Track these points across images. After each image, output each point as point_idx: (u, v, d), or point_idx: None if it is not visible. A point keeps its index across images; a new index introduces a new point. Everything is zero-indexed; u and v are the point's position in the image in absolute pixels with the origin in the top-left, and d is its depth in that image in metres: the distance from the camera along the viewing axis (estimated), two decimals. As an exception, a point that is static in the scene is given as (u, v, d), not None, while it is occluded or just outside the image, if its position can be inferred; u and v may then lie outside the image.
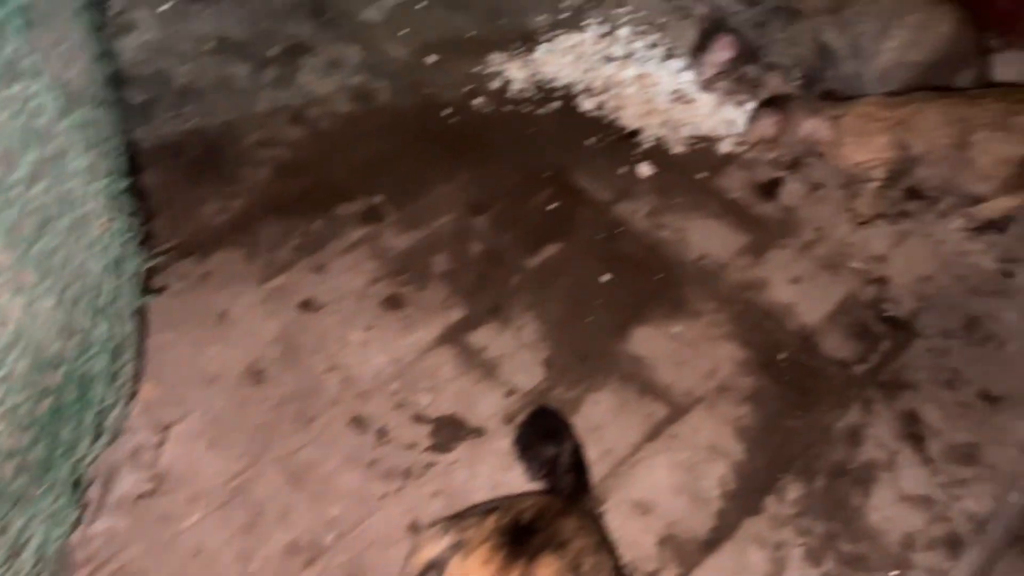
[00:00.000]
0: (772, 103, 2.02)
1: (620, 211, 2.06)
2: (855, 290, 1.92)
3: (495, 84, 2.32)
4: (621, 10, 2.56)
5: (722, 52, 2.19)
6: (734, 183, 2.14)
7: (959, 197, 2.04)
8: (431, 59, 2.38)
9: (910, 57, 2.08)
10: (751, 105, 2.13)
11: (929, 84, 2.11)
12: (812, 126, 1.96)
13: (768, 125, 1.99)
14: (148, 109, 2.14)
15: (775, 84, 2.16)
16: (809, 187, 2.12)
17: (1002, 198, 1.94)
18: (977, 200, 2.00)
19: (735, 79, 2.24)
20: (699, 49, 2.24)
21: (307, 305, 1.83)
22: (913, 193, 2.09)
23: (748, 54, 2.20)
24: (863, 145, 1.93)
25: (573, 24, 2.50)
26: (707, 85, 2.26)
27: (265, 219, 1.97)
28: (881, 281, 1.94)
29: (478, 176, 2.11)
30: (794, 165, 2.16)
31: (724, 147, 2.19)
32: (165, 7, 2.39)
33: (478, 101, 2.28)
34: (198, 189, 2.00)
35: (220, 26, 2.37)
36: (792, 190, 2.12)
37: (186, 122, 2.13)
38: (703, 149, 2.21)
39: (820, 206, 2.09)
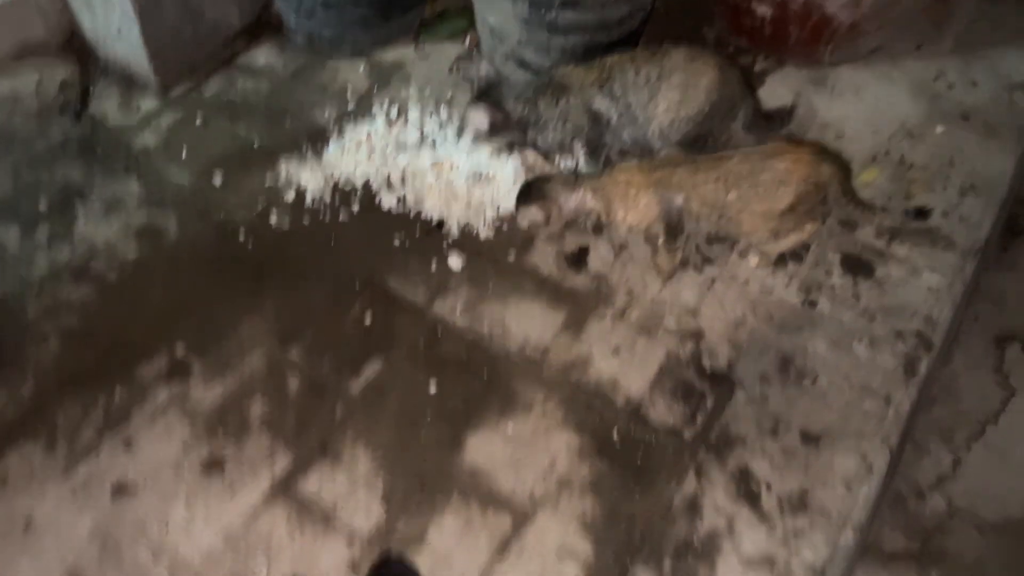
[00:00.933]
0: (529, 188, 2.04)
1: (437, 311, 2.03)
2: (674, 349, 1.96)
3: (289, 195, 2.25)
4: (407, 91, 2.54)
5: (478, 120, 2.18)
6: (544, 258, 2.14)
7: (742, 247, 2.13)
8: (217, 179, 2.28)
9: (683, 113, 2.14)
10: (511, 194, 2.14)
11: (708, 131, 2.19)
12: (576, 201, 2.00)
13: (533, 212, 2.01)
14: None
15: (532, 163, 2.18)
16: (615, 250, 2.15)
17: (783, 240, 2.03)
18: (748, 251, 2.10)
19: (501, 144, 2.26)
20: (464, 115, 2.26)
21: (121, 489, 1.72)
22: (712, 237, 2.15)
23: (505, 124, 2.20)
24: (630, 209, 1.97)
25: (361, 114, 2.46)
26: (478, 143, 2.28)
27: (61, 399, 1.84)
28: (697, 335, 1.99)
29: (285, 301, 2.04)
30: (597, 229, 2.19)
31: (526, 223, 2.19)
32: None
33: (274, 217, 2.20)
34: (-22, 383, 1.85)
35: (-23, 187, 2.20)
36: (599, 256, 2.15)
37: (-47, 309, 1.96)
38: (509, 229, 2.20)
39: (628, 268, 2.12)
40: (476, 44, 2.63)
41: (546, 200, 2.00)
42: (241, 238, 2.16)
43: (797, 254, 2.13)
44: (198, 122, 2.43)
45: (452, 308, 2.04)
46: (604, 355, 1.96)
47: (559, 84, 2.18)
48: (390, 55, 2.65)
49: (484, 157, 2.30)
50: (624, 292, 2.07)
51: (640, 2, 2.31)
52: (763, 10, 2.47)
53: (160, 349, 1.92)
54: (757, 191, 1.93)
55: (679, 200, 1.97)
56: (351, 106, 2.49)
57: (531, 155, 2.10)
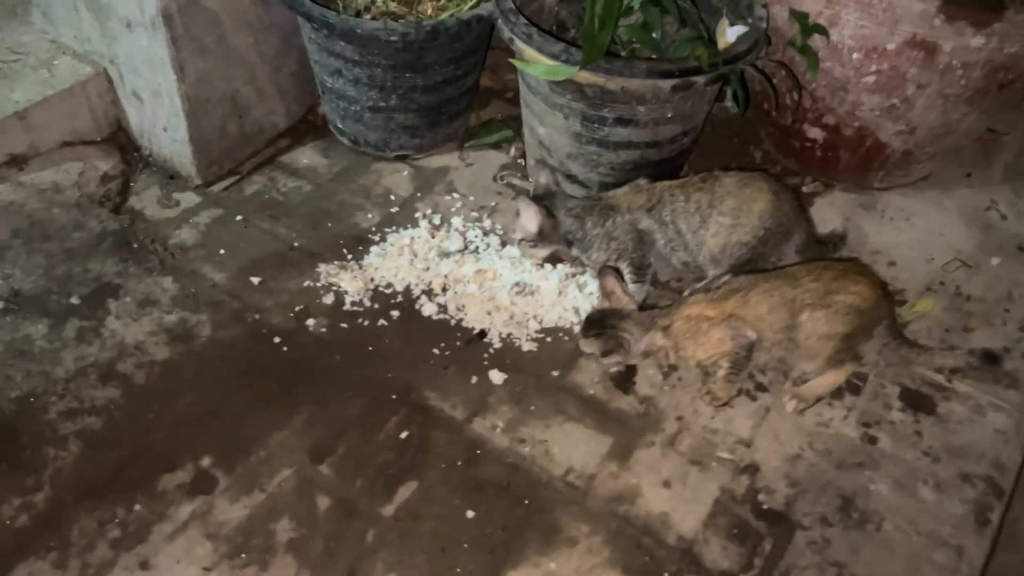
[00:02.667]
0: (602, 317, 1.97)
1: (476, 429, 1.93)
2: (728, 484, 1.85)
3: (328, 299, 2.18)
4: (450, 196, 2.50)
5: (528, 219, 2.14)
6: (589, 377, 2.05)
7: (792, 377, 2.04)
8: (255, 280, 2.22)
9: (735, 239, 2.08)
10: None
11: (762, 256, 2.13)
12: (647, 343, 1.94)
13: (599, 346, 1.96)
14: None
15: (610, 290, 2.10)
16: (663, 372, 2.06)
17: (828, 374, 1.95)
18: (805, 380, 2.01)
19: (544, 251, 2.24)
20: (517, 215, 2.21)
21: (132, 615, 1.59)
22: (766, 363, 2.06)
23: (553, 232, 2.16)
24: (701, 345, 1.90)
25: (404, 220, 2.41)
26: (524, 252, 2.24)
27: (76, 509, 1.73)
28: (752, 469, 1.88)
29: (318, 412, 1.94)
30: (644, 353, 2.10)
31: (572, 339, 2.12)
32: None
33: (311, 322, 2.13)
34: (-9, 487, 1.74)
35: (8, 281, 2.13)
36: (647, 377, 2.06)
37: (-27, 403, 1.87)
38: (552, 343, 2.12)
39: (677, 391, 2.03)
40: (522, 154, 2.61)
41: (614, 335, 1.93)
42: (276, 342, 2.08)
43: (854, 385, 2.04)
44: (237, 220, 2.38)
45: (492, 426, 1.94)
46: (654, 486, 1.84)
47: (607, 205, 2.15)
48: (435, 161, 2.63)
49: (528, 268, 2.25)
50: (674, 418, 1.97)
51: (693, 122, 2.28)
52: (814, 133, 2.44)
53: (185, 460, 1.82)
54: (828, 312, 1.85)
55: (752, 334, 1.89)
56: (394, 210, 2.45)
57: (611, 280, 2.03)
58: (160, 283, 2.19)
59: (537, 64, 2.07)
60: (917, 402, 2.02)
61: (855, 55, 2.19)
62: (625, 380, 2.05)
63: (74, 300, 2.11)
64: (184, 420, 1.90)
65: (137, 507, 1.73)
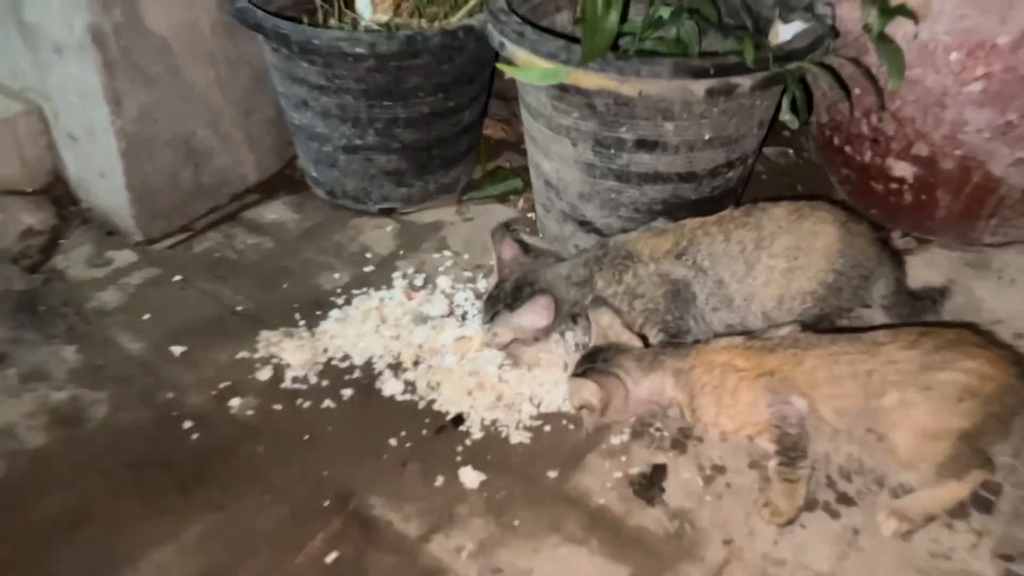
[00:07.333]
0: (593, 359, 1.44)
1: (435, 552, 1.37)
2: (800, 644, 1.23)
3: (263, 374, 1.69)
4: (440, 254, 2.02)
5: (536, 317, 1.60)
6: (600, 480, 1.48)
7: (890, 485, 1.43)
8: (177, 351, 1.75)
9: (795, 288, 1.54)
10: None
11: (836, 311, 1.57)
12: (650, 387, 1.39)
13: (589, 391, 1.40)
14: None
15: (606, 324, 1.55)
16: (704, 475, 1.48)
17: (944, 488, 1.33)
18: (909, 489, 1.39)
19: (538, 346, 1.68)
20: (508, 307, 1.65)
21: None
22: (851, 465, 1.46)
23: (562, 319, 1.63)
24: (725, 408, 1.34)
25: (378, 280, 1.93)
26: (502, 347, 1.67)
27: None
28: (837, 621, 1.26)
29: (220, 523, 1.41)
30: (679, 444, 1.53)
31: (580, 427, 1.56)
32: None
33: (235, 402, 1.63)
34: None
35: None
36: (681, 482, 1.47)
37: None
38: (552, 433, 1.57)
39: (724, 503, 1.44)
40: (532, 206, 2.13)
41: (610, 378, 1.39)
42: (185, 428, 1.58)
43: (983, 499, 1.41)
44: (174, 281, 1.94)
45: (457, 548, 1.37)
46: (687, 645, 1.23)
47: (622, 254, 1.62)
48: (427, 216, 2.17)
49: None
50: (719, 541, 1.37)
51: (740, 150, 1.77)
52: (902, 170, 1.89)
53: (27, 582, 1.30)
54: (929, 397, 1.26)
55: (800, 404, 1.31)
56: (368, 269, 1.97)
57: (606, 315, 1.51)
58: (59, 353, 1.73)
59: (531, 69, 1.61)
60: (1080, 525, 1.38)
61: (953, 55, 1.67)
62: (650, 485, 1.47)
63: (-56, 370, 1.67)
64: (41, 530, 1.39)
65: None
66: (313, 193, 2.22)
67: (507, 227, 1.79)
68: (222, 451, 1.54)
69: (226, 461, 1.52)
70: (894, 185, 1.94)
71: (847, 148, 1.98)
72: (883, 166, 1.92)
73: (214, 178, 2.18)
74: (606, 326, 1.50)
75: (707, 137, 1.68)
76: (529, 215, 2.14)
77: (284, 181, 2.30)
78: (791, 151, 2.31)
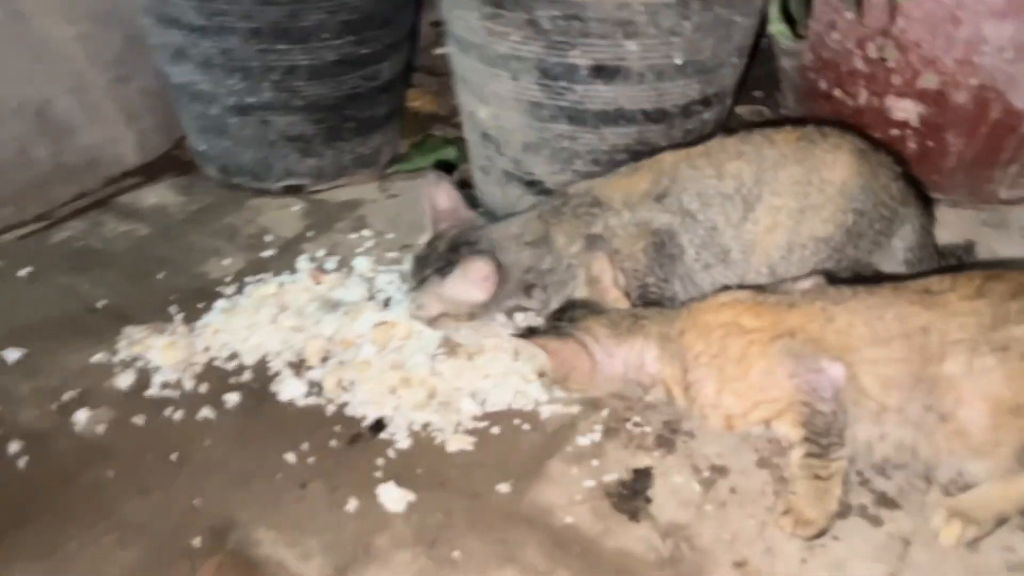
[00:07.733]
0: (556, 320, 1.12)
1: (342, 600, 0.98)
2: None
3: (124, 380, 1.30)
4: (358, 234, 1.66)
5: (471, 288, 1.25)
6: (564, 493, 1.12)
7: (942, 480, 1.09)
8: (14, 355, 1.35)
9: (806, 232, 1.21)
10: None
11: (854, 263, 1.24)
12: (626, 356, 1.08)
13: (543, 358, 1.07)
14: None
15: (597, 273, 1.20)
16: (700, 479, 1.12)
17: (1018, 480, 1.00)
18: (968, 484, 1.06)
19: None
20: (439, 271, 1.29)
21: None
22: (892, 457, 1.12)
23: (501, 290, 1.26)
24: (730, 383, 1.02)
25: (278, 266, 1.56)
26: (428, 323, 1.31)
27: None
28: (899, 665, 0.91)
29: (47, 573, 1.01)
30: (666, 441, 1.17)
31: (536, 428, 1.20)
32: None
33: (82, 416, 1.24)
34: None
35: None
36: (672, 489, 1.11)
37: None
38: (501, 437, 1.20)
39: (730, 513, 1.08)
40: (469, 181, 1.78)
41: (568, 343, 1.04)
42: (12, 452, 1.18)
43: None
44: (20, 276, 1.54)
45: (376, 594, 0.99)
46: None
47: (588, 200, 1.28)
48: (343, 193, 1.81)
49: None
50: (729, 564, 1.02)
51: (718, 83, 1.45)
52: (905, 110, 1.60)
53: None
54: (1006, 360, 0.93)
55: (834, 370, 0.97)
56: (266, 254, 1.60)
57: (599, 262, 1.17)
58: None
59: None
60: None
61: (968, -44, 1.39)
62: (633, 495, 1.11)
63: None
64: None
65: None
66: (205, 173, 1.84)
67: (447, 171, 1.44)
68: (58, 479, 1.14)
69: (63, 492, 1.13)
70: (895, 131, 1.63)
71: (836, 92, 1.68)
72: (881, 108, 1.62)
73: (80, 157, 1.80)
74: (594, 276, 1.15)
75: (678, 62, 1.35)
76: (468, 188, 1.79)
77: (172, 163, 1.92)
78: (766, 108, 2.01)
